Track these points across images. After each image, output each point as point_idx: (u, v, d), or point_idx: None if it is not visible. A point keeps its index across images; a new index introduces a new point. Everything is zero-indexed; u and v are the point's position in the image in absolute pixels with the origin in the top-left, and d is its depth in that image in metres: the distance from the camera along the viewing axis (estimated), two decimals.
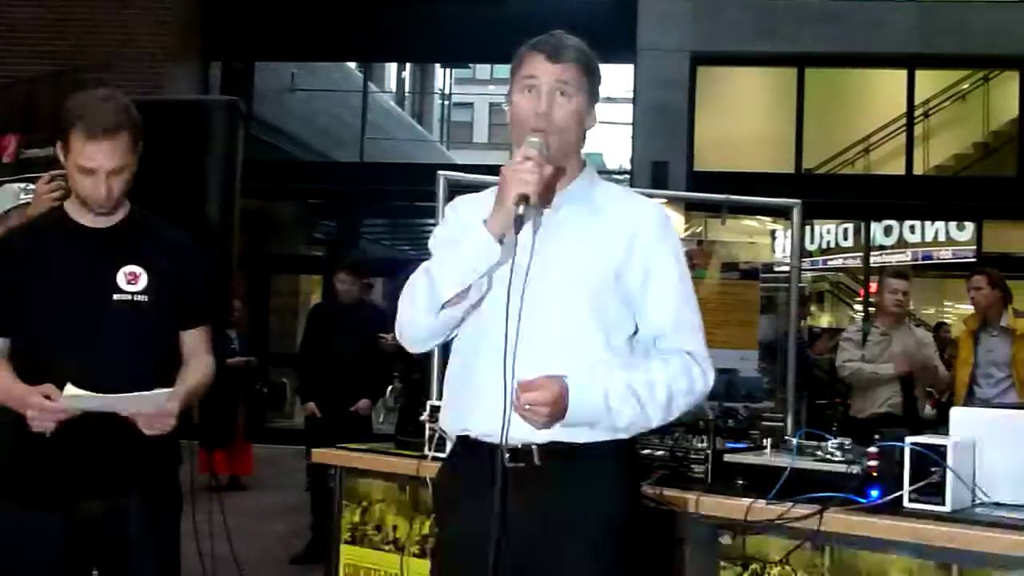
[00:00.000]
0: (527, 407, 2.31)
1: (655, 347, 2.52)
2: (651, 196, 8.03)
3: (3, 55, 11.57)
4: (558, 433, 2.39)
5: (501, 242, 2.37)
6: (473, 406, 2.48)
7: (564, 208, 2.51)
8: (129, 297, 2.97)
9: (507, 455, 2.39)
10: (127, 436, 2.88)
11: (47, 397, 2.79)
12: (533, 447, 2.41)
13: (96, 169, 2.88)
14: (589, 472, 2.42)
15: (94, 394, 2.79)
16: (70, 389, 2.78)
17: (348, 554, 4.26)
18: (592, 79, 2.51)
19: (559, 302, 2.44)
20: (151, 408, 2.86)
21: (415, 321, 2.51)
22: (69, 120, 2.89)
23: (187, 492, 3.30)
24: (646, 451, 3.53)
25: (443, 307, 2.43)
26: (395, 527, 4.11)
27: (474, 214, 2.47)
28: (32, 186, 3.83)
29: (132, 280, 2.98)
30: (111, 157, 2.88)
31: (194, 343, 3.15)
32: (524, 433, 2.38)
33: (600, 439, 2.43)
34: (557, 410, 2.34)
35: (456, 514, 2.54)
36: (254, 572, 5.94)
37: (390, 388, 5.23)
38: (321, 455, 4.50)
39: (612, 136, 23.17)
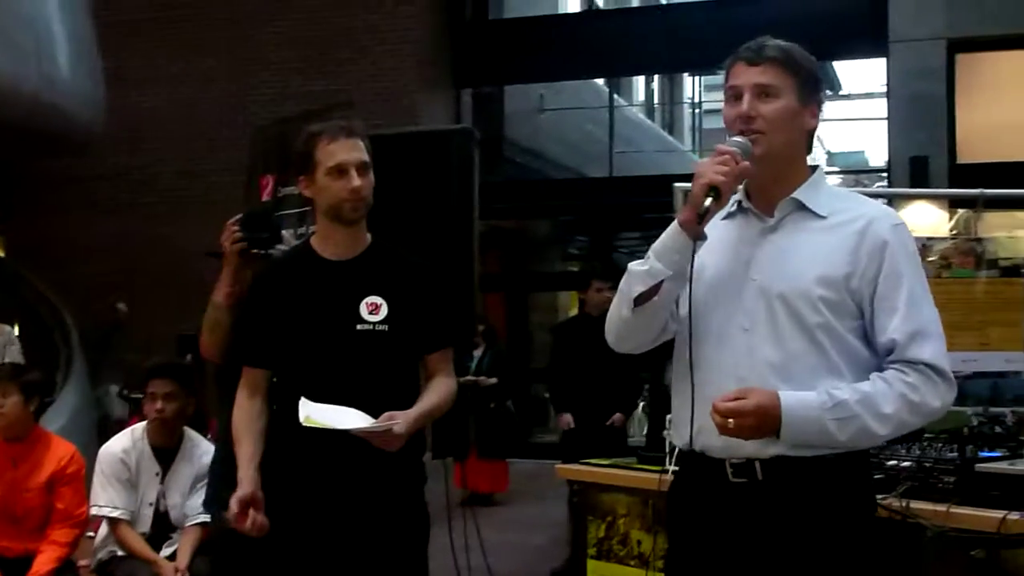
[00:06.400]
0: (728, 420, 2.24)
1: (887, 359, 2.36)
2: (908, 196, 7.64)
3: (258, 97, 12.34)
4: (784, 449, 2.32)
5: (702, 239, 2.33)
6: (690, 419, 2.44)
7: (786, 216, 2.44)
8: (370, 327, 3.06)
9: (731, 470, 2.38)
10: (371, 456, 2.94)
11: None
12: (756, 463, 2.36)
13: (345, 164, 3.02)
14: (813, 488, 2.34)
15: (327, 405, 2.91)
16: (304, 403, 2.91)
17: (594, 569, 4.30)
18: (799, 78, 2.40)
19: (779, 311, 2.36)
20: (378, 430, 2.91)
21: (612, 317, 2.53)
22: (310, 143, 3.07)
23: (443, 507, 3.31)
24: (891, 462, 3.39)
25: (636, 304, 2.41)
26: (639, 542, 4.12)
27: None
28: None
29: (373, 311, 3.07)
30: (354, 150, 3.03)
31: (434, 366, 3.20)
32: (749, 449, 2.34)
33: (826, 453, 2.33)
34: (762, 421, 2.27)
35: (685, 529, 2.54)
36: None
37: (640, 400, 5.22)
38: (566, 471, 4.58)
39: (872, 133, 22.36)
